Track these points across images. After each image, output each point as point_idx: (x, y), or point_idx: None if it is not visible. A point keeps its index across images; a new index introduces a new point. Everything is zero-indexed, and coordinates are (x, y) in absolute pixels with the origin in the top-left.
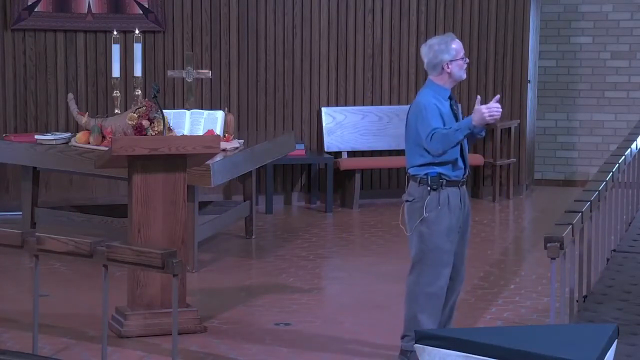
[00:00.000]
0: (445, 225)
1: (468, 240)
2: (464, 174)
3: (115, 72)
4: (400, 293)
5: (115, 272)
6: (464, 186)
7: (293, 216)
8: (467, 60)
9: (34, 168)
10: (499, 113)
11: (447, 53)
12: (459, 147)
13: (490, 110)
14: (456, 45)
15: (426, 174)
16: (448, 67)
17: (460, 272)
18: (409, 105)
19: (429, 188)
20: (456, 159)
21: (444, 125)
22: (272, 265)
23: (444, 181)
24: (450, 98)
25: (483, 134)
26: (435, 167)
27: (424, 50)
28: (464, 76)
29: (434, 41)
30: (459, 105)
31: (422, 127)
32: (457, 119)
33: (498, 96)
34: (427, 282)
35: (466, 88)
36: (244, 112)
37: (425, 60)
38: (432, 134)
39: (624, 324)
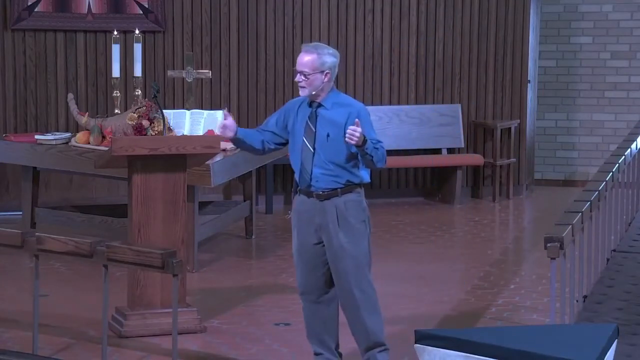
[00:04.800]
0: (295, 233)
1: (346, 265)
2: (311, 186)
3: (115, 72)
4: (399, 293)
5: (115, 272)
6: (328, 200)
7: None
8: (298, 79)
9: (34, 168)
10: (226, 129)
11: None
12: (296, 155)
13: (222, 126)
14: (299, 57)
15: None
16: None
17: (339, 291)
18: (409, 105)
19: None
20: (297, 167)
21: (276, 124)
22: (272, 265)
23: (297, 187)
24: (310, 105)
25: (353, 150)
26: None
27: None
28: (300, 93)
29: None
30: (332, 119)
31: None
32: (313, 127)
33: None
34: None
35: (466, 88)
36: (244, 112)
37: None
38: None
39: (624, 324)
